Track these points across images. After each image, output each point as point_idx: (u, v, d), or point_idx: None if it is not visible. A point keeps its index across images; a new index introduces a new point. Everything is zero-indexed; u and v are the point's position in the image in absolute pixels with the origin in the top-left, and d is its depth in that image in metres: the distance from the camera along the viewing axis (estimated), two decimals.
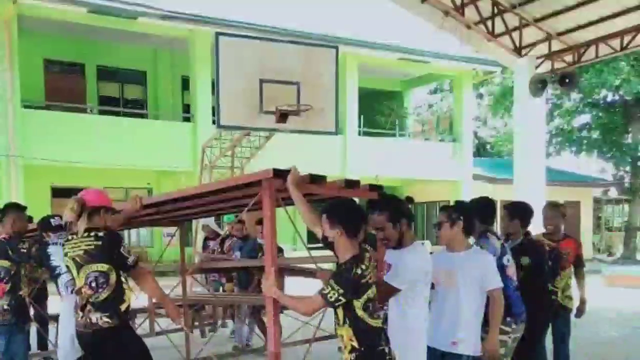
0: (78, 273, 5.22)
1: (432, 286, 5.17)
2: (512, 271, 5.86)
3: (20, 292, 6.85)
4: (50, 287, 8.30)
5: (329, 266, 9.04)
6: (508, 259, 5.86)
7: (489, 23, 18.31)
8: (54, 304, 8.67)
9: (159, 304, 7.99)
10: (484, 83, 38.49)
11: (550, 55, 19.05)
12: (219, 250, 11.76)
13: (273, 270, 4.77)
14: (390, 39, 25.84)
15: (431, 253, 5.36)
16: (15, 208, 7.07)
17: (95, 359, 5.51)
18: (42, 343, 10.00)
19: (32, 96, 22.63)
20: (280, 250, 9.70)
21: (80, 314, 5.24)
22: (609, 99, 33.34)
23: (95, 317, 5.15)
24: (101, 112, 24.46)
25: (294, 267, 10.12)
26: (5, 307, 6.71)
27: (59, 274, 6.09)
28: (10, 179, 19.82)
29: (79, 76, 25.44)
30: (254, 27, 21.48)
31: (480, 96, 43.13)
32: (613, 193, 40.68)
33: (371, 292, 4.15)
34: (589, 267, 9.24)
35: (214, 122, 18.18)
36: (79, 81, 25.40)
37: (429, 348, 5.09)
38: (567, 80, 17.97)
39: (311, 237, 5.11)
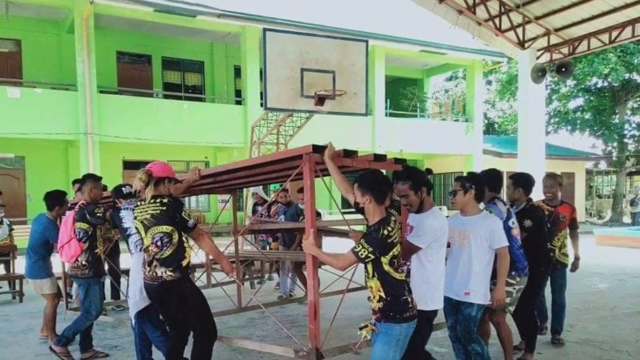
0: (146, 233, 5.22)
1: (448, 245, 5.13)
2: (516, 232, 5.80)
3: (96, 250, 6.86)
4: (122, 245, 8.40)
5: (360, 228, 9.01)
6: (513, 222, 5.79)
7: (497, 20, 18.53)
8: (125, 260, 8.71)
9: (214, 260, 8.00)
10: (492, 71, 38.62)
11: (549, 48, 19.25)
12: (266, 214, 11.76)
13: (312, 231, 4.78)
14: (413, 34, 25.85)
15: (447, 217, 5.30)
16: (92, 178, 7.06)
17: (161, 307, 5.56)
18: (115, 293, 10.18)
19: (106, 83, 22.91)
20: (318, 214, 9.72)
21: (148, 268, 5.26)
22: (599, 85, 33.59)
23: (160, 271, 5.16)
24: (165, 97, 24.52)
25: (330, 229, 10.12)
26: (84, 262, 6.73)
27: (130, 235, 6.08)
28: (88, 153, 20.04)
29: (146, 66, 25.54)
30: (296, 24, 21.49)
31: (489, 82, 42.84)
32: (602, 165, 40.74)
33: (396, 250, 4.10)
34: (582, 228, 9.22)
35: (261, 105, 18.20)
36: (147, 70, 25.55)
37: (445, 297, 5.06)
38: (563, 69, 17.89)
39: (345, 203, 5.09)
